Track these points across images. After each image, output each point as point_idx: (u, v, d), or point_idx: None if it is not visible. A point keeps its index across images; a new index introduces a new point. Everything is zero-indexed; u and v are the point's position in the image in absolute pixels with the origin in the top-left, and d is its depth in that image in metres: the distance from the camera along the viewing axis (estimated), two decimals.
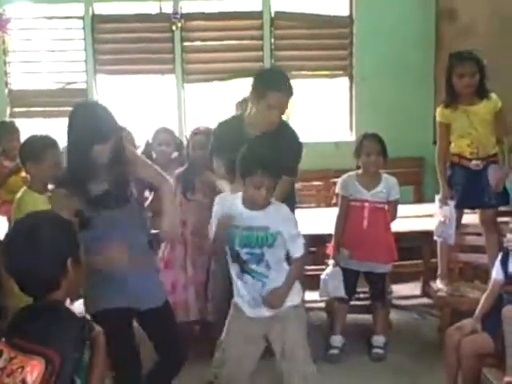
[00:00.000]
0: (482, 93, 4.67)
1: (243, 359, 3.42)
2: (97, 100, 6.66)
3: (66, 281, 2.23)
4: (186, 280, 4.56)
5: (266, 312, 3.35)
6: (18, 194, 3.90)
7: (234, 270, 3.36)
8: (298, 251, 3.35)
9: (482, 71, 4.63)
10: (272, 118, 3.65)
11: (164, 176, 3.42)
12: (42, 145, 3.86)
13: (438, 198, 4.86)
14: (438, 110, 4.86)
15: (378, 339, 4.70)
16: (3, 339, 2.14)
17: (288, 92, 3.68)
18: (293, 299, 3.38)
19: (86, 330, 2.18)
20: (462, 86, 4.63)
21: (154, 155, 4.73)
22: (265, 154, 3.22)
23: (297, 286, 3.41)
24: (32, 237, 2.18)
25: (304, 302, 3.68)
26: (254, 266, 3.29)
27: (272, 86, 3.63)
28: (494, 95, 4.70)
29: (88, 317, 2.30)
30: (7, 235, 2.28)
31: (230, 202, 3.34)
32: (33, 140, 4.03)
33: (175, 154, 4.86)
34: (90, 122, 3.09)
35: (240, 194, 3.30)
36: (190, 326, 4.75)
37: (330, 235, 4.71)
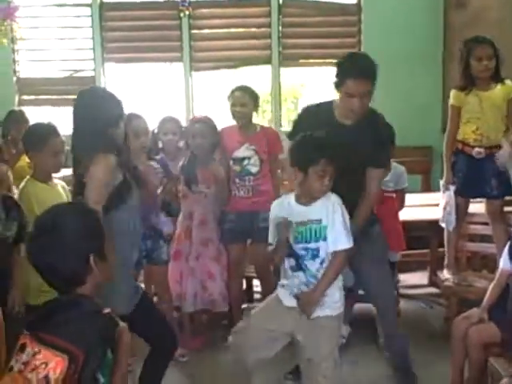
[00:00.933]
0: (497, 77, 4.68)
1: (260, 345, 3.35)
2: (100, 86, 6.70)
3: (91, 276, 2.20)
4: (191, 271, 4.57)
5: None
6: (22, 184, 3.90)
7: (289, 263, 3.29)
8: (340, 243, 3.21)
9: (497, 56, 4.63)
10: (352, 107, 3.50)
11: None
12: (43, 133, 3.85)
13: (441, 182, 4.88)
14: (452, 92, 4.86)
15: None
16: (27, 332, 2.10)
17: (366, 79, 3.47)
18: (333, 307, 3.28)
19: (111, 325, 2.15)
20: (479, 69, 4.65)
21: (161, 145, 4.72)
22: (328, 142, 3.20)
23: (338, 291, 3.30)
24: (53, 232, 2.16)
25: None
26: (308, 263, 3.23)
27: (348, 73, 3.48)
28: (509, 82, 4.69)
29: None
30: (31, 230, 2.25)
31: (284, 203, 3.31)
32: (34, 129, 4.03)
33: (182, 143, 4.86)
34: (101, 104, 3.16)
35: (293, 193, 3.28)
36: (198, 315, 4.77)
37: None
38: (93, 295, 2.22)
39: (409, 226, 4.94)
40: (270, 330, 3.32)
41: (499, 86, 4.69)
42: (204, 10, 7.34)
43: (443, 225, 4.84)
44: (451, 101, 4.84)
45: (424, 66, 7.05)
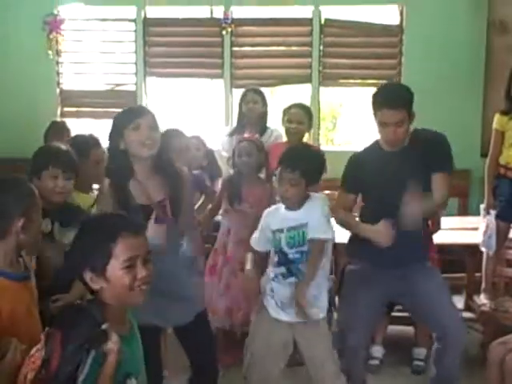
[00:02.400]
0: None
1: (268, 362, 3.44)
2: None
3: (94, 290, 2.27)
4: (222, 287, 4.56)
5: (292, 318, 3.37)
6: None
7: (276, 272, 3.40)
8: (317, 232, 3.32)
9: None
10: (387, 137, 3.59)
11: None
12: (85, 144, 3.91)
13: (482, 206, 4.85)
14: (496, 116, 4.87)
15: (419, 351, 4.68)
16: (47, 329, 2.19)
17: (398, 108, 3.51)
18: (322, 310, 3.42)
19: (96, 337, 2.14)
20: None
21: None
22: (293, 153, 3.45)
23: (325, 294, 3.44)
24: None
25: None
26: (301, 266, 3.33)
27: (380, 104, 3.56)
28: None
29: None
30: None
31: (275, 211, 3.46)
32: (77, 140, 4.09)
33: (205, 162, 4.88)
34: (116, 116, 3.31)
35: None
36: (232, 331, 4.77)
37: None
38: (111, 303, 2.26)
39: (445, 249, 4.91)
40: (275, 343, 3.44)
41: None
42: (246, 28, 7.39)
43: (483, 249, 4.81)
44: (494, 125, 4.84)
45: (464, 88, 7.01)
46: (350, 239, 3.84)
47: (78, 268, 2.25)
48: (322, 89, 7.38)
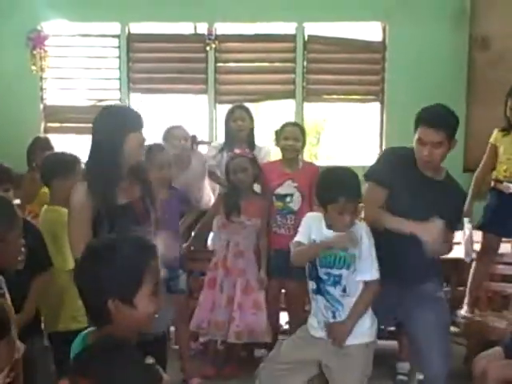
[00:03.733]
0: None
1: (290, 376, 3.37)
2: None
3: (115, 319, 2.02)
4: (224, 301, 4.55)
5: (321, 334, 3.31)
6: (43, 212, 3.93)
7: (310, 286, 3.35)
8: (369, 274, 3.25)
9: None
10: (421, 154, 3.47)
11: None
12: (68, 161, 3.91)
13: (466, 220, 4.89)
14: (494, 132, 4.91)
15: (403, 366, 4.68)
16: (68, 375, 1.90)
17: (437, 128, 3.42)
18: (363, 334, 3.30)
19: (156, 378, 1.96)
20: None
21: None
22: (346, 180, 3.23)
23: (369, 319, 3.32)
24: (86, 265, 2.07)
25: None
26: (330, 288, 3.26)
27: (421, 120, 3.50)
28: None
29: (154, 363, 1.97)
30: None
31: (317, 221, 3.31)
32: (57, 157, 4.07)
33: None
34: (119, 113, 3.33)
35: (323, 215, 3.28)
36: (213, 344, 4.76)
37: None
38: (127, 334, 2.05)
39: None
40: (298, 361, 3.35)
41: None
42: (230, 44, 7.43)
43: (467, 259, 4.82)
44: (490, 140, 4.92)
45: (447, 104, 7.00)
46: None
47: (101, 297, 2.00)
48: (305, 104, 7.42)
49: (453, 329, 5.39)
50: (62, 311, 3.63)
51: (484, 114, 6.74)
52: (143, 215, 3.27)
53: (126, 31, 7.40)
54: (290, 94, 7.40)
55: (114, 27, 7.42)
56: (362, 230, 3.27)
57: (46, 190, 5.17)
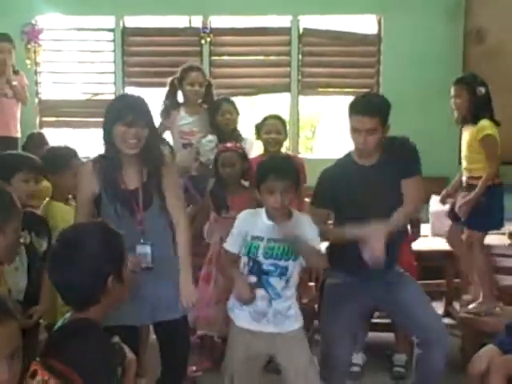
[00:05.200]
0: (470, 117, 4.79)
1: (247, 376, 3.39)
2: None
3: (105, 297, 2.22)
4: (219, 296, 4.55)
5: (269, 328, 3.32)
6: (42, 206, 3.94)
7: (253, 279, 3.32)
8: (314, 241, 3.28)
9: (475, 95, 4.75)
10: (356, 142, 3.57)
11: (185, 213, 3.44)
12: (63, 156, 3.91)
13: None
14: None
15: (400, 358, 4.69)
16: (38, 359, 2.09)
17: (369, 115, 3.50)
18: (298, 319, 3.38)
19: (118, 356, 2.16)
20: (453, 107, 4.91)
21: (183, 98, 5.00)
22: (277, 161, 3.39)
23: (296, 312, 3.37)
24: (73, 250, 2.20)
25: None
26: (274, 280, 3.27)
27: (352, 109, 3.58)
28: (483, 121, 4.70)
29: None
30: (52, 246, 2.30)
31: (255, 216, 3.33)
32: (54, 151, 4.08)
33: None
34: (115, 102, 3.33)
35: (263, 208, 3.31)
36: (211, 337, 4.77)
37: None
38: (103, 316, 2.27)
39: (424, 256, 4.93)
40: (249, 363, 3.36)
41: (472, 125, 4.76)
42: (224, 37, 7.43)
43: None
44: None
45: (442, 97, 6.99)
46: (328, 251, 3.80)
47: (102, 273, 2.21)
48: (300, 97, 7.42)
49: (448, 321, 5.44)
50: (59, 303, 3.62)
51: None
52: (145, 201, 3.26)
53: (121, 25, 7.39)
54: (285, 88, 7.40)
55: (109, 21, 7.41)
56: (305, 221, 3.32)
57: (46, 184, 5.18)
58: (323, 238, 3.50)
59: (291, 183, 3.22)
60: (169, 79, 5.21)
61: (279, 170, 3.22)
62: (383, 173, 3.57)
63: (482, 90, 4.72)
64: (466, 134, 4.83)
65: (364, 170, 3.63)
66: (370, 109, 3.53)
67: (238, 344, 3.38)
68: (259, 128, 4.85)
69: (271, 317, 3.30)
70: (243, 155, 4.62)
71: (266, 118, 4.87)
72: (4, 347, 1.75)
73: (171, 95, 5.16)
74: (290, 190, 3.21)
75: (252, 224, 3.30)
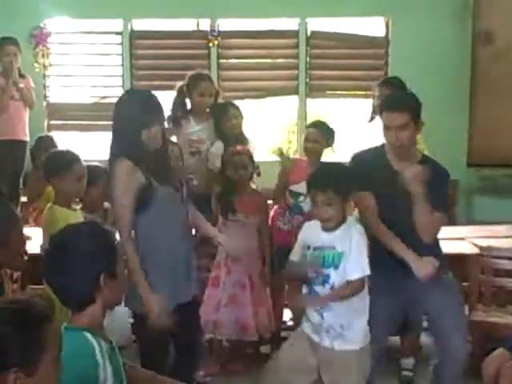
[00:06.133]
0: None
1: (288, 374, 3.35)
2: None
3: (100, 295, 2.23)
4: (227, 299, 4.54)
5: (324, 342, 3.29)
6: (46, 210, 3.94)
7: (304, 290, 3.35)
8: (353, 272, 3.22)
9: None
10: (389, 140, 3.54)
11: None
12: (66, 159, 3.90)
13: None
14: None
15: (407, 362, 4.67)
16: None
17: (399, 111, 3.50)
18: (354, 341, 3.29)
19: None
20: None
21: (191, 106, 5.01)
22: (320, 173, 3.38)
23: (362, 324, 3.32)
24: (63, 252, 2.22)
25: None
26: (318, 288, 3.26)
27: (384, 106, 3.60)
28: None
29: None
30: (46, 248, 2.31)
31: (313, 227, 3.36)
32: (56, 155, 4.07)
33: None
34: (134, 108, 3.29)
35: None
36: (238, 342, 4.75)
37: None
38: (101, 316, 2.28)
39: None
40: (296, 368, 3.33)
41: None
42: (232, 40, 7.43)
43: None
44: None
45: (450, 99, 7.06)
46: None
47: (96, 275, 2.22)
48: (308, 100, 7.41)
49: None
50: (57, 306, 3.61)
51: (487, 108, 6.74)
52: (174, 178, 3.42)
53: (129, 28, 7.40)
54: (293, 90, 7.39)
55: (117, 24, 7.43)
56: (352, 227, 3.28)
57: (50, 188, 5.20)
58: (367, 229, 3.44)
59: (332, 195, 3.19)
60: (177, 85, 5.16)
61: (319, 183, 3.24)
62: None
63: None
64: None
65: (398, 175, 3.54)
66: (399, 105, 3.54)
67: (291, 347, 3.41)
68: (304, 134, 4.90)
69: (325, 330, 3.28)
70: (252, 158, 4.64)
71: (309, 125, 4.92)
72: None
73: (180, 102, 5.13)
74: (331, 201, 3.19)
75: (311, 234, 3.36)
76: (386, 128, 3.53)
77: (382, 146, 3.69)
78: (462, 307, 3.81)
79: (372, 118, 5.01)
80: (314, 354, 3.33)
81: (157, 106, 3.34)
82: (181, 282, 3.36)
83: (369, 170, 3.59)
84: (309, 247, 3.29)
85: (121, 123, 3.31)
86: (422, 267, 3.39)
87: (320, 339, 3.30)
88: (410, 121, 3.50)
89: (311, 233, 3.35)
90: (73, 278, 2.19)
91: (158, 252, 3.25)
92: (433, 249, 3.64)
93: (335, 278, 3.23)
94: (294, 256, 3.38)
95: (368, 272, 3.24)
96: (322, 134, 4.81)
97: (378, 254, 3.47)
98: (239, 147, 4.69)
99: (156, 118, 3.29)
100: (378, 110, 3.62)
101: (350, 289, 3.24)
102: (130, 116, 3.26)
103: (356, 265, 3.22)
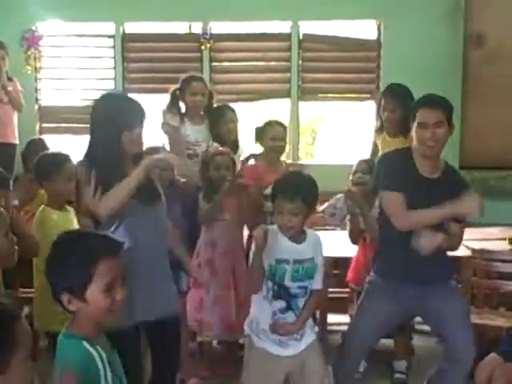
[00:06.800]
0: (401, 129, 4.84)
1: None
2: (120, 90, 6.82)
3: (72, 311, 2.19)
4: (212, 300, 4.53)
5: (292, 351, 3.29)
6: (38, 213, 3.93)
7: (275, 307, 3.25)
8: (319, 283, 3.30)
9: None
10: (426, 137, 3.48)
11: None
12: (54, 162, 3.90)
13: None
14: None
15: (400, 364, 4.67)
16: None
17: (437, 108, 3.51)
18: (307, 340, 3.34)
19: None
20: (384, 118, 5.08)
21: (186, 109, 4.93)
22: (287, 181, 3.28)
23: (309, 323, 3.36)
24: (51, 255, 2.22)
25: (324, 329, 3.60)
26: (301, 300, 3.26)
27: (420, 103, 3.59)
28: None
29: None
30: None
31: (273, 235, 3.21)
32: (46, 157, 4.06)
33: None
34: (115, 109, 3.19)
35: (275, 226, 3.26)
36: (230, 345, 4.75)
37: (350, 259, 4.69)
38: (89, 325, 2.20)
39: None
40: (268, 375, 3.31)
41: (402, 138, 4.81)
42: (224, 43, 7.43)
43: None
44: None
45: None
46: (376, 254, 3.80)
47: (56, 289, 2.16)
48: (300, 103, 7.42)
49: None
50: (57, 309, 3.60)
51: (479, 110, 6.76)
52: (154, 196, 3.29)
53: (121, 31, 7.39)
54: (286, 93, 7.40)
55: (109, 27, 7.42)
56: (315, 236, 3.31)
57: (42, 191, 5.19)
58: (416, 227, 3.44)
59: (301, 205, 3.15)
60: (170, 89, 5.15)
61: (287, 191, 3.17)
62: (441, 190, 3.50)
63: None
64: (389, 144, 4.89)
65: (426, 181, 3.57)
66: (436, 101, 3.55)
67: (257, 367, 3.34)
68: (261, 133, 4.80)
69: (297, 338, 3.30)
70: (233, 160, 4.60)
71: (269, 124, 4.83)
72: None
73: (174, 106, 5.11)
74: (297, 211, 3.15)
75: (273, 245, 3.18)
76: (422, 125, 3.50)
77: (409, 149, 3.67)
78: (468, 310, 3.82)
79: (380, 128, 5.07)
80: (283, 366, 3.31)
81: (139, 108, 3.24)
82: (157, 295, 3.23)
83: (396, 172, 3.58)
84: (286, 261, 3.20)
85: (100, 123, 3.19)
86: (466, 207, 3.38)
87: (289, 351, 3.29)
88: (444, 119, 3.51)
89: (278, 245, 3.21)
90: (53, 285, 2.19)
91: (133, 264, 3.03)
92: (444, 255, 3.70)
93: (309, 289, 3.29)
94: (259, 262, 3.18)
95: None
96: (285, 131, 4.82)
97: (389, 259, 3.53)
98: (220, 148, 4.67)
99: (139, 120, 3.21)
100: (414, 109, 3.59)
101: (315, 300, 3.32)
102: (111, 116, 3.16)
103: (320, 276, 3.31)
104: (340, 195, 4.88)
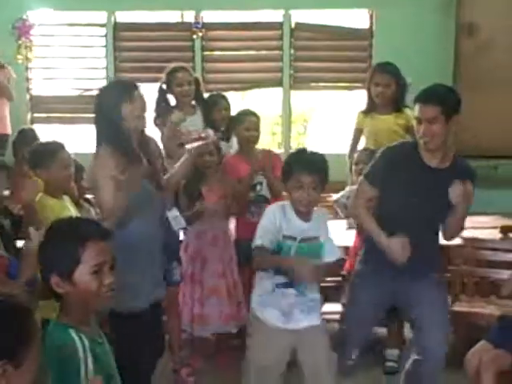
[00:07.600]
0: (394, 105, 4.93)
1: (271, 372, 3.35)
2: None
3: (61, 294, 2.20)
4: (204, 293, 4.52)
5: (293, 325, 3.31)
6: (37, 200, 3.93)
7: (277, 281, 3.28)
8: (336, 252, 3.35)
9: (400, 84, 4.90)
10: (422, 132, 3.45)
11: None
12: (51, 149, 3.89)
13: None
14: (357, 115, 5.18)
15: (392, 352, 4.68)
16: None
17: (431, 103, 3.44)
18: (311, 319, 3.35)
19: None
20: (375, 94, 4.98)
21: (174, 101, 4.85)
22: (304, 156, 3.30)
23: (317, 305, 3.38)
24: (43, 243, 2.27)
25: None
26: None
27: (416, 99, 3.53)
28: (407, 110, 4.81)
29: None
30: None
31: (283, 212, 3.27)
32: (41, 146, 4.06)
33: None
34: (112, 87, 3.42)
35: (288, 204, 3.28)
36: (223, 335, 4.74)
37: (348, 248, 4.70)
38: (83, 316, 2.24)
39: None
40: (277, 360, 3.35)
41: (395, 113, 4.87)
42: (216, 32, 7.42)
43: None
44: (355, 124, 5.16)
45: None
46: (364, 242, 3.82)
47: (45, 271, 2.20)
48: (292, 92, 7.41)
49: None
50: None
51: (471, 100, 6.74)
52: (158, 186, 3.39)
53: (113, 20, 7.37)
54: (277, 82, 7.39)
55: (101, 16, 7.40)
56: (325, 216, 3.40)
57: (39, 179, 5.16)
58: (355, 219, 3.48)
59: (319, 179, 3.21)
60: (159, 82, 5.12)
61: (308, 165, 3.21)
62: (445, 181, 3.46)
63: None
64: (383, 121, 4.92)
65: (431, 171, 3.55)
66: (431, 97, 3.47)
67: (262, 343, 3.35)
68: (235, 123, 4.78)
69: (299, 313, 3.31)
70: (218, 146, 4.54)
71: (244, 114, 4.80)
72: None
73: (162, 101, 5.07)
74: (316, 185, 3.20)
75: (281, 218, 3.25)
76: (418, 121, 3.48)
77: (414, 141, 3.64)
78: (447, 307, 3.82)
79: (369, 108, 5.06)
80: (286, 339, 3.33)
81: (134, 84, 3.35)
82: (156, 281, 3.40)
83: (398, 163, 3.57)
84: (293, 238, 3.24)
85: (101, 103, 3.29)
86: (396, 254, 3.44)
87: (291, 324, 3.31)
88: (440, 114, 3.42)
89: (287, 221, 3.26)
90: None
91: (137, 251, 3.19)
92: (436, 249, 3.71)
93: None
94: (264, 241, 3.23)
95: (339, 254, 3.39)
96: (258, 121, 4.80)
97: (374, 248, 3.54)
98: (202, 134, 4.60)
99: (137, 92, 3.28)
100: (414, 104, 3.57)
101: (337, 267, 3.41)
102: (111, 92, 3.32)
103: (334, 248, 3.34)
104: (354, 187, 4.84)
